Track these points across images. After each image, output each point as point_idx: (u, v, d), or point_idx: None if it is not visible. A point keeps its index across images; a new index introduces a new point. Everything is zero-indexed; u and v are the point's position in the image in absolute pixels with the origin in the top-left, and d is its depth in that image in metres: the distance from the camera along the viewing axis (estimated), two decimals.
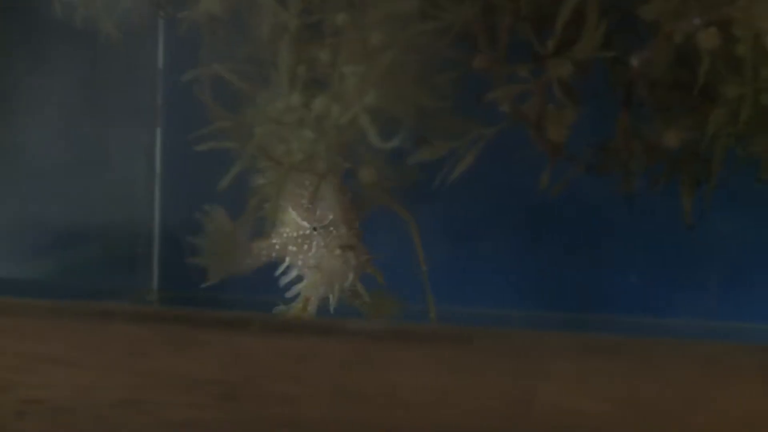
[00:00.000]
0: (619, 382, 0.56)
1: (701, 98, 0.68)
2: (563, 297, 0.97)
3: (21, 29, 1.07)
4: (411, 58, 0.68)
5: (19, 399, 0.62)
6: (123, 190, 1.10)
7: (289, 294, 0.80)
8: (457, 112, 0.70)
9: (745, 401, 0.55)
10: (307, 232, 0.78)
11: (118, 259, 1.09)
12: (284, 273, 0.81)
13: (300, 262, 0.79)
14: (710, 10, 0.64)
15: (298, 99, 0.69)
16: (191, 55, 0.75)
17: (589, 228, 0.86)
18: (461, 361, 0.58)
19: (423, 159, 0.70)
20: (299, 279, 0.80)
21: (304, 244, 0.78)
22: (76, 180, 1.10)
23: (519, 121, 0.68)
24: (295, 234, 0.79)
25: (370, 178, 0.72)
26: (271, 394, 0.59)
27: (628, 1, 0.67)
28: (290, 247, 0.80)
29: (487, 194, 0.95)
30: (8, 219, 1.10)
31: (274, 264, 0.82)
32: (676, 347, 0.59)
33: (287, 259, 0.80)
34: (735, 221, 0.91)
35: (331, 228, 0.77)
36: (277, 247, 0.81)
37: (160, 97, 1.06)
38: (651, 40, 0.65)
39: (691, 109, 0.69)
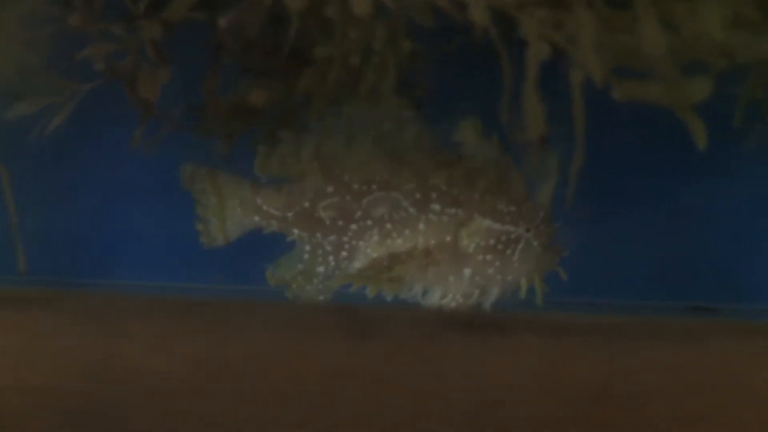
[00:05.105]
0: (198, 343, 0.58)
1: (297, 61, 0.70)
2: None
3: None
4: (5, 15, 0.67)
5: None
6: None
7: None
8: (55, 69, 0.69)
9: (324, 359, 0.57)
10: (513, 236, 0.72)
11: None
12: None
13: (492, 270, 0.73)
14: None
15: None
16: None
17: None
18: (46, 323, 0.59)
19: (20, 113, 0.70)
20: None
21: (507, 250, 0.73)
22: None
23: (114, 79, 0.67)
24: (492, 242, 0.72)
25: None
26: None
27: None
28: (486, 257, 0.72)
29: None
30: None
31: None
32: (255, 308, 0.61)
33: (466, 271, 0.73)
34: None
35: (541, 225, 0.72)
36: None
37: None
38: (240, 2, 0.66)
39: (285, 71, 0.70)
